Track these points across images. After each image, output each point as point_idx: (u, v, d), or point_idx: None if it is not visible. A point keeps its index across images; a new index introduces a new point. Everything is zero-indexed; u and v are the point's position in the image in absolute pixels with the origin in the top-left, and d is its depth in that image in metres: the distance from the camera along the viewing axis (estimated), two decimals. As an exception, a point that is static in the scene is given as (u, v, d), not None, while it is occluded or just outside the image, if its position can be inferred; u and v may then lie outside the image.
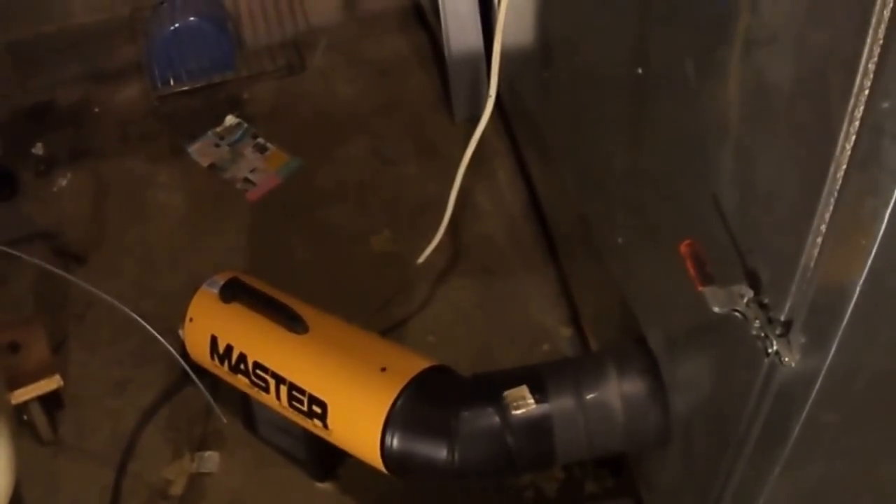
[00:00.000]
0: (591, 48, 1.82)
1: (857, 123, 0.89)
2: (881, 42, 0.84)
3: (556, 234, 2.45)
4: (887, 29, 0.83)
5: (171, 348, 1.93)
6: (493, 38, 1.82)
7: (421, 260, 2.31)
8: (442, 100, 2.93)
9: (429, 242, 2.26)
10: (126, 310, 1.87)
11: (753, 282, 1.15)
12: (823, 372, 1.08)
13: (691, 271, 1.23)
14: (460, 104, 2.83)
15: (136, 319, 1.87)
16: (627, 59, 1.53)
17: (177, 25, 2.93)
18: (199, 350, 1.97)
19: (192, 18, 2.94)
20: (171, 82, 3.00)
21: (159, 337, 1.88)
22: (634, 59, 1.50)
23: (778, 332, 1.11)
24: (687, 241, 1.26)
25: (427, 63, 3.08)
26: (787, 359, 1.10)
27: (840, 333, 1.03)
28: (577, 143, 2.03)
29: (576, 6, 1.88)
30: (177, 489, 2.14)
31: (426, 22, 3.10)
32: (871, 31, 0.84)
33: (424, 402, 1.71)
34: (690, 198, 1.34)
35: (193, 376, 1.96)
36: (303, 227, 2.64)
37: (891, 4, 0.82)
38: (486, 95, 1.91)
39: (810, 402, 1.13)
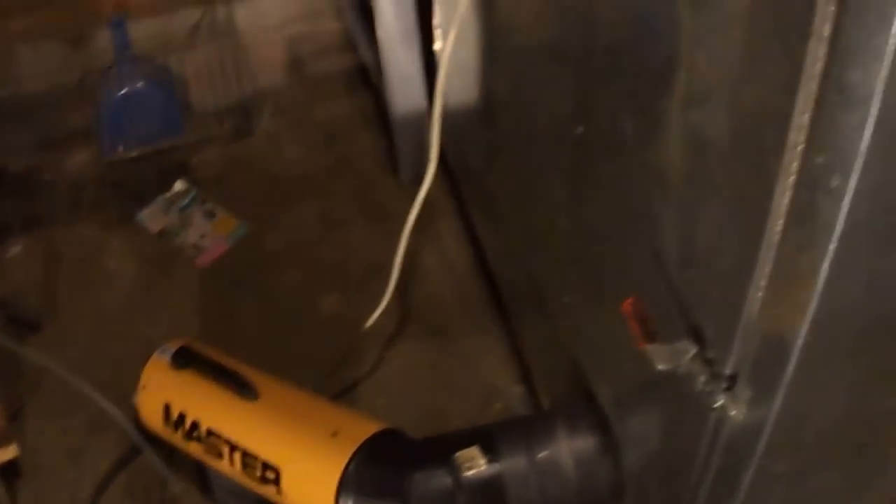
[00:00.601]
0: (532, 107, 1.83)
1: (792, 178, 0.90)
2: (814, 97, 0.85)
3: (505, 292, 2.45)
4: (819, 84, 0.84)
5: (120, 420, 1.91)
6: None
7: (369, 324, 2.30)
8: (389, 161, 2.94)
9: (378, 304, 2.26)
10: (77, 381, 1.86)
11: (697, 337, 1.15)
12: (770, 423, 1.08)
13: (634, 329, 1.24)
14: (406, 165, 2.83)
15: (87, 391, 1.86)
16: (568, 118, 1.54)
17: (124, 90, 2.92)
18: (154, 418, 1.95)
19: (139, 84, 2.93)
20: (120, 148, 2.99)
21: (108, 409, 1.87)
22: (575, 118, 1.52)
23: (723, 386, 1.12)
24: (629, 300, 1.27)
25: (373, 124, 3.09)
26: (733, 412, 1.11)
27: (785, 385, 1.03)
28: (521, 201, 2.04)
29: (517, 66, 1.90)
30: (135, 558, 2.12)
31: (371, 84, 3.11)
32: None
33: (377, 466, 1.71)
34: (633, 254, 1.35)
35: (144, 448, 1.95)
36: (252, 292, 2.64)
37: (822, 60, 0.82)
38: (429, 159, 1.92)
39: (759, 453, 1.13)
